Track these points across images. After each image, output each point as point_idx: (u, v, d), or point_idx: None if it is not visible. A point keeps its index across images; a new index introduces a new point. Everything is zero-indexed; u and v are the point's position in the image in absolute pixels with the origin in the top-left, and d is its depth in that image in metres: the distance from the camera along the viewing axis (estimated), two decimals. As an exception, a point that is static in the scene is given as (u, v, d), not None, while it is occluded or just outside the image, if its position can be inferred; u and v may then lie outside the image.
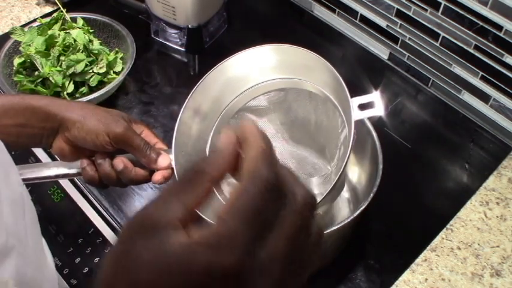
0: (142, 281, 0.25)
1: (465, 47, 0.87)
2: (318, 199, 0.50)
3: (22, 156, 0.82)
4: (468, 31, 0.85)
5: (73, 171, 0.58)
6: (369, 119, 0.69)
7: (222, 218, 0.26)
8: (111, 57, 0.91)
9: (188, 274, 0.25)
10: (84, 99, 0.84)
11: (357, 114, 0.52)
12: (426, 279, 0.72)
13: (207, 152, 0.63)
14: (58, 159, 0.61)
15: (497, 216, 0.79)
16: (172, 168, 0.57)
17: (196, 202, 0.27)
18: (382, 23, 0.98)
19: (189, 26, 0.98)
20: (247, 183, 0.27)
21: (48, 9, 1.07)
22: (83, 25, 0.93)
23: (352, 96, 0.53)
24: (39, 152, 0.82)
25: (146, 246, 0.26)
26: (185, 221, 0.26)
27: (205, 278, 0.25)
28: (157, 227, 0.26)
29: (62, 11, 0.93)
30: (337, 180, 0.50)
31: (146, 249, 0.25)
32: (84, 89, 0.89)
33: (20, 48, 0.88)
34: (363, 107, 0.53)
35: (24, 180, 0.55)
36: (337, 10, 1.04)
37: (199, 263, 0.25)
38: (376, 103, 0.53)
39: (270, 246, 0.26)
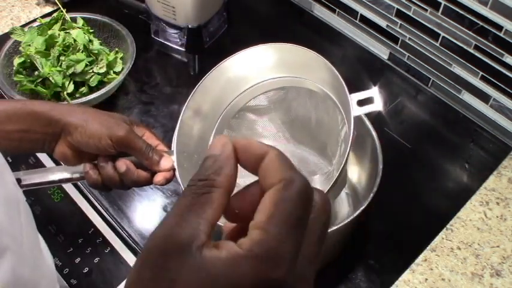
0: None
1: (465, 47, 0.87)
2: None
3: (22, 157, 0.82)
4: (468, 31, 0.85)
5: (76, 175, 0.58)
6: (369, 119, 0.69)
7: (264, 227, 0.24)
8: (111, 57, 0.91)
9: None
10: (84, 99, 0.84)
11: (356, 110, 0.52)
12: (426, 279, 0.72)
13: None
14: (61, 163, 0.61)
15: (497, 216, 0.79)
16: (174, 170, 0.58)
17: (217, 217, 0.26)
18: (382, 23, 0.98)
19: (189, 26, 0.98)
20: (283, 191, 0.25)
21: (48, 9, 1.07)
22: (83, 25, 0.93)
23: (351, 93, 0.53)
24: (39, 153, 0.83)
25: (183, 267, 0.24)
26: (210, 236, 0.25)
27: None
28: (188, 247, 0.24)
29: (62, 11, 0.93)
30: (338, 176, 0.50)
31: (185, 271, 0.24)
32: (84, 89, 0.88)
33: (20, 48, 0.88)
34: (361, 103, 0.53)
35: (28, 185, 0.56)
36: (337, 10, 1.04)
37: (247, 276, 0.24)
38: (374, 98, 0.53)
39: (305, 251, 0.26)
